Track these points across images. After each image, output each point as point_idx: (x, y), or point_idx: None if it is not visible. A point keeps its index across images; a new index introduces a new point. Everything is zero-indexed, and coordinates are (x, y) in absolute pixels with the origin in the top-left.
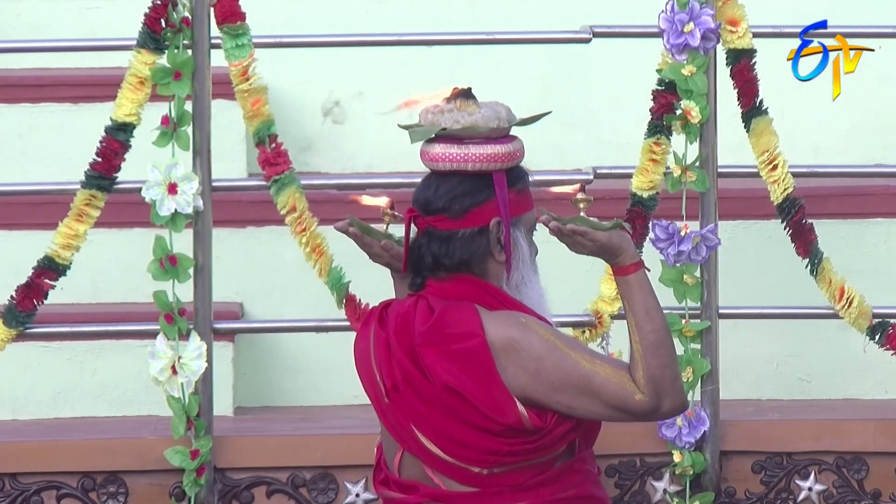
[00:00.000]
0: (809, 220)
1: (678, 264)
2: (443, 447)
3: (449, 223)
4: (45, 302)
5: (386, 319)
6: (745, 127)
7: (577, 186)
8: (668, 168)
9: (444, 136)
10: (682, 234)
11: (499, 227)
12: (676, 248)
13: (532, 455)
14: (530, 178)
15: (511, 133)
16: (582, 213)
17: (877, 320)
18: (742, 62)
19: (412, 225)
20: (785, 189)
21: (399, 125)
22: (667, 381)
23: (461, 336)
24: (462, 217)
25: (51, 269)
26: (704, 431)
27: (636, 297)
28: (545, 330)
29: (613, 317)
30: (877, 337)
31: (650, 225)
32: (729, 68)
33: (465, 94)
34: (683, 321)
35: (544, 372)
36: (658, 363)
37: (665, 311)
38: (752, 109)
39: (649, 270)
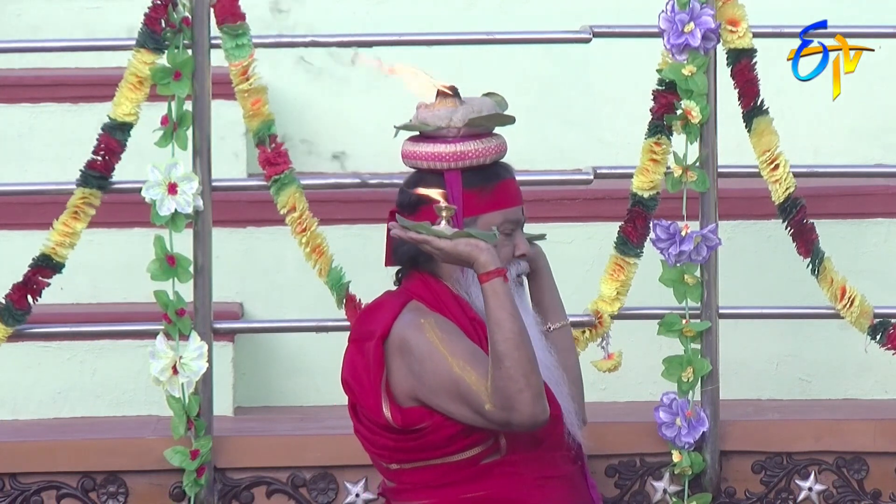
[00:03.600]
0: (810, 220)
1: (679, 264)
2: (361, 441)
3: (408, 219)
4: (46, 302)
5: None
6: (746, 127)
7: (441, 192)
8: (668, 168)
9: (417, 136)
10: (683, 234)
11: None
12: (677, 248)
13: (426, 454)
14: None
15: (492, 133)
16: (443, 222)
17: (878, 320)
18: (742, 62)
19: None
20: (786, 189)
21: (394, 126)
22: (511, 394)
23: (370, 334)
24: (413, 214)
25: (47, 266)
26: (704, 432)
27: (489, 306)
28: (438, 332)
29: (614, 317)
30: (878, 336)
31: (651, 225)
32: (729, 68)
33: (444, 93)
34: (683, 321)
35: (424, 374)
36: (501, 375)
37: (665, 311)
38: (752, 109)
39: (506, 281)
